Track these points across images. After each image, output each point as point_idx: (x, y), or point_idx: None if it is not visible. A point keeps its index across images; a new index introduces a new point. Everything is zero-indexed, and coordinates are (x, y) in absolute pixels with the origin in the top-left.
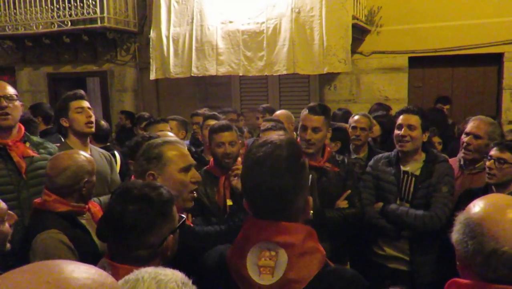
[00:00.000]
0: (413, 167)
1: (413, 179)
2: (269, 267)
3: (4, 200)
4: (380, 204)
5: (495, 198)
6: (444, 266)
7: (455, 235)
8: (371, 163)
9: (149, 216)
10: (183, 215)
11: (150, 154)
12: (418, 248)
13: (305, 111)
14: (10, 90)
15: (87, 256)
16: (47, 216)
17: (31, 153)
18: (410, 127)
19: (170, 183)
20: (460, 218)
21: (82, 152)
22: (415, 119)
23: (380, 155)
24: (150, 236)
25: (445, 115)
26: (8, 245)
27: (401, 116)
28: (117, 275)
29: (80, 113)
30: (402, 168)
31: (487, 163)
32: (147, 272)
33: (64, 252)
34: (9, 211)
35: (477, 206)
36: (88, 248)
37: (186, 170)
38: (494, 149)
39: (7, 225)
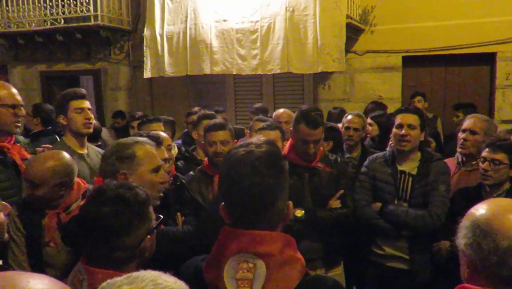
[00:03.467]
0: (410, 166)
1: (410, 178)
2: (247, 280)
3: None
4: (378, 204)
5: (496, 201)
6: (441, 264)
7: (463, 240)
8: (366, 163)
9: (125, 216)
10: (160, 215)
11: (123, 153)
12: (417, 247)
13: (303, 125)
14: None
15: (31, 244)
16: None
17: (27, 154)
18: (410, 126)
19: (141, 182)
20: (465, 223)
21: (65, 154)
22: (414, 119)
23: (375, 155)
24: (127, 237)
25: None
26: (6, 235)
27: (400, 116)
28: (93, 279)
29: (79, 113)
30: (399, 168)
31: (482, 165)
32: (151, 273)
33: (13, 228)
34: (2, 202)
35: (480, 209)
36: (34, 236)
37: (156, 170)
38: (486, 150)
39: (2, 214)
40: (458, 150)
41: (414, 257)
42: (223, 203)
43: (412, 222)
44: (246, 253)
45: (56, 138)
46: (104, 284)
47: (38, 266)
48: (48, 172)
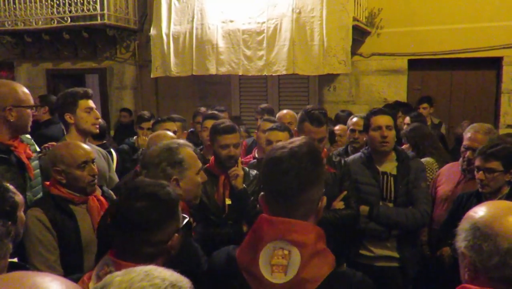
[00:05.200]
0: (389, 166)
1: (392, 178)
2: (282, 266)
3: None
4: (366, 208)
5: (494, 203)
6: (426, 256)
7: (463, 242)
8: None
9: (157, 213)
10: (186, 216)
11: (173, 159)
12: (406, 243)
13: (308, 123)
14: None
15: (68, 240)
16: (44, 197)
17: (31, 153)
18: (388, 127)
19: (190, 186)
20: (464, 226)
21: (83, 144)
22: (390, 120)
23: (351, 157)
24: (157, 233)
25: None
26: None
27: (376, 118)
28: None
29: (88, 113)
30: (379, 169)
31: (477, 175)
32: (146, 267)
33: (40, 229)
34: None
35: (479, 212)
36: (70, 234)
37: (199, 171)
38: (478, 158)
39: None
40: (464, 165)
41: (403, 253)
42: (262, 193)
43: (404, 220)
44: (282, 240)
45: (63, 129)
46: (101, 282)
47: (77, 258)
48: None
